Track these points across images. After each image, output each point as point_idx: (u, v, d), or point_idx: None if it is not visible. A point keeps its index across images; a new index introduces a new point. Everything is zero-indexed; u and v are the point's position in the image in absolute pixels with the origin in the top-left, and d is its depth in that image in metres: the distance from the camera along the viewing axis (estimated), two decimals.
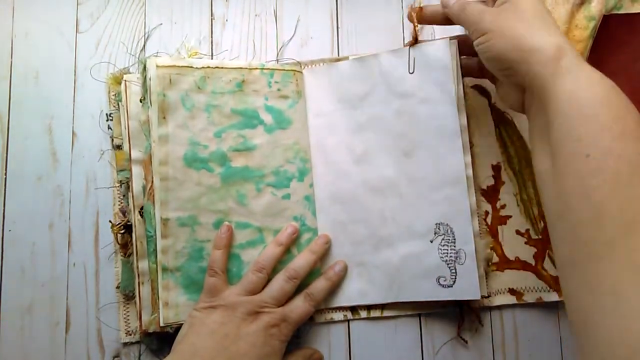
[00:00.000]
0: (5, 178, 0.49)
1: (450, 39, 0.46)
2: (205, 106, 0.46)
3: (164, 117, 0.44)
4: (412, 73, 0.47)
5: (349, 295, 0.47)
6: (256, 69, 0.48)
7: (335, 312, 0.48)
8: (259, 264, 0.44)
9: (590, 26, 0.47)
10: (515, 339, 0.47)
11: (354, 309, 0.48)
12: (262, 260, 0.45)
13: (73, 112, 0.50)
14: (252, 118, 0.47)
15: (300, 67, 0.50)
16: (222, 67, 0.47)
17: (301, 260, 0.46)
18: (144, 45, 0.51)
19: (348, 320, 0.48)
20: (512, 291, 0.47)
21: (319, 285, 0.46)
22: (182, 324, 0.43)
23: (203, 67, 0.46)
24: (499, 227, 0.48)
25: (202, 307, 0.43)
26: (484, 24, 0.39)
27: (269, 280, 0.45)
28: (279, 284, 0.44)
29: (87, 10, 0.52)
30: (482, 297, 0.45)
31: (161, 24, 0.52)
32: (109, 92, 0.50)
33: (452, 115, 0.45)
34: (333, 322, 0.48)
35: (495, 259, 0.47)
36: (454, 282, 0.45)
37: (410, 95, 0.47)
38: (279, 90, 0.48)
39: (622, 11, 0.49)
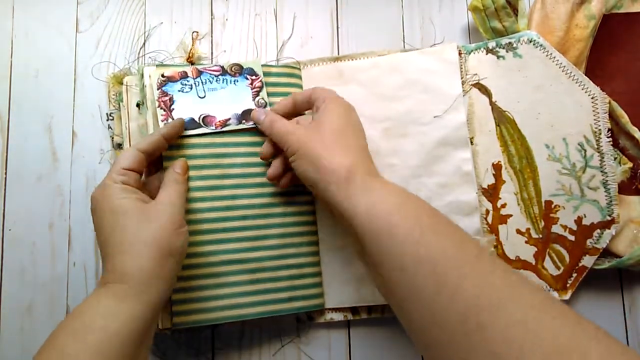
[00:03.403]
0: (5, 178, 0.49)
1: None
2: None
3: (159, 124, 0.45)
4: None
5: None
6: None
7: (336, 312, 0.47)
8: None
9: (591, 25, 0.47)
10: None
11: (354, 310, 0.47)
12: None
13: (73, 112, 0.50)
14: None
15: (300, 66, 0.50)
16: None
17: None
18: (144, 45, 0.51)
19: (348, 321, 0.48)
20: None
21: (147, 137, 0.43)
22: (180, 328, 0.43)
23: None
24: (499, 226, 0.48)
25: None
26: (291, 144, 0.41)
27: None
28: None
29: (87, 9, 0.52)
30: None
31: (161, 23, 0.52)
32: (109, 92, 0.50)
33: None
34: (333, 322, 0.48)
35: None
36: None
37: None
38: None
39: (622, 10, 0.49)
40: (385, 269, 0.34)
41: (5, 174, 0.49)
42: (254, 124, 0.46)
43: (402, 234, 0.33)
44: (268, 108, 0.47)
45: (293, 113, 0.46)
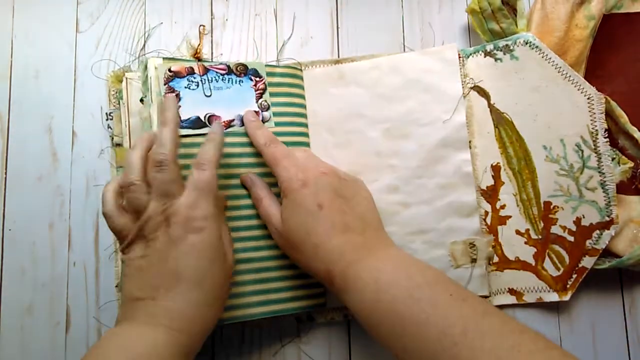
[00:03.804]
0: (5, 178, 0.49)
1: None
2: None
3: None
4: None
5: None
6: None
7: (336, 311, 0.48)
8: (125, 181, 0.38)
9: (590, 25, 0.47)
10: None
11: None
12: (127, 176, 0.38)
13: (73, 112, 0.50)
14: None
15: (301, 67, 0.50)
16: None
17: (205, 148, 0.40)
18: (144, 45, 0.51)
19: (348, 321, 0.48)
20: (512, 291, 0.47)
21: (203, 148, 0.40)
22: None
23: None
24: (498, 227, 0.48)
25: (121, 250, 0.39)
26: (273, 228, 0.43)
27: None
28: (155, 179, 0.37)
29: (87, 9, 0.52)
30: (484, 296, 0.45)
31: (161, 23, 0.52)
32: (109, 91, 0.50)
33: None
34: (333, 321, 0.48)
35: (495, 259, 0.47)
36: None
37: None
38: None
39: (622, 10, 0.49)
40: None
41: (5, 174, 0.49)
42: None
43: (407, 317, 0.34)
44: (272, 114, 0.47)
45: None
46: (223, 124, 0.45)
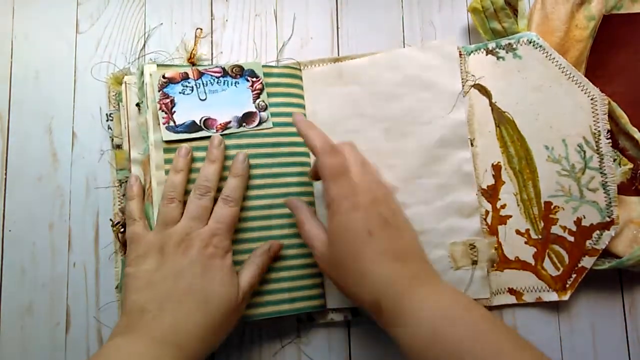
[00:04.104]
0: (5, 178, 0.49)
1: None
2: None
3: (159, 124, 0.45)
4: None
5: None
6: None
7: (335, 312, 0.47)
8: (167, 195, 0.42)
9: (590, 26, 0.47)
10: None
11: (354, 310, 0.47)
12: (169, 189, 0.42)
13: (73, 112, 0.50)
14: None
15: (300, 67, 0.50)
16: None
17: (231, 184, 0.43)
18: (144, 46, 0.51)
19: (348, 321, 0.48)
20: (511, 291, 0.47)
21: (230, 184, 0.43)
22: None
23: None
24: (499, 227, 0.48)
25: (130, 260, 0.40)
26: (317, 262, 0.41)
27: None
28: (193, 202, 0.42)
29: (87, 10, 0.52)
30: (485, 299, 0.46)
31: (161, 23, 0.52)
32: (109, 92, 0.50)
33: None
34: (333, 322, 0.48)
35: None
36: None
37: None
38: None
39: (622, 11, 0.49)
40: None
41: (6, 174, 0.49)
42: (255, 126, 0.46)
43: (471, 356, 0.32)
44: (269, 114, 0.47)
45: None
46: (219, 126, 0.46)
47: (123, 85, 0.48)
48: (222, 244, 0.41)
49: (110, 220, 0.48)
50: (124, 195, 0.48)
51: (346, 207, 0.38)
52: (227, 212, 0.42)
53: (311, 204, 0.48)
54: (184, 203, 0.42)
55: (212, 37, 0.52)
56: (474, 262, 0.46)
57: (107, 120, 0.50)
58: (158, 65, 0.46)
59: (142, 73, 0.46)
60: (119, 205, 0.48)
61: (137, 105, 0.47)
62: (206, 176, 0.43)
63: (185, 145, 0.44)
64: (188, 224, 0.41)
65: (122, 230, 0.47)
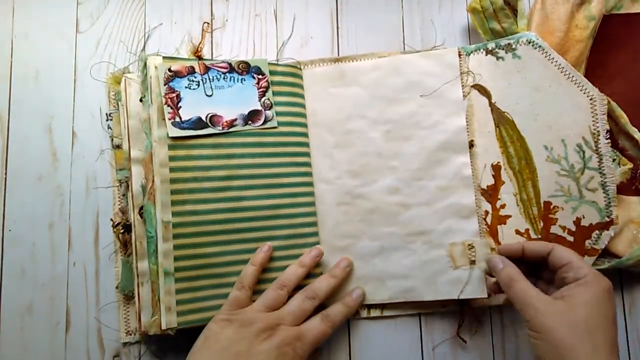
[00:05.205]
0: (5, 178, 0.49)
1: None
2: None
3: (164, 119, 0.44)
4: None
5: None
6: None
7: None
8: (280, 281, 0.44)
9: (590, 26, 0.47)
10: (514, 339, 0.47)
11: None
12: (285, 278, 0.44)
13: (73, 112, 0.50)
14: None
15: (300, 66, 0.50)
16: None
17: (322, 283, 0.45)
18: (144, 45, 0.51)
19: (349, 321, 0.48)
20: None
21: (336, 308, 0.45)
22: (183, 328, 0.43)
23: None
24: (498, 227, 0.48)
25: (220, 319, 0.42)
26: (533, 322, 0.38)
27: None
28: (297, 301, 0.44)
29: (87, 10, 0.52)
30: (483, 298, 0.46)
31: (161, 23, 0.52)
32: (108, 92, 0.50)
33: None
34: None
35: None
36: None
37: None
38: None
39: (622, 11, 0.49)
40: None
41: (5, 174, 0.49)
42: (260, 125, 0.46)
43: None
44: (274, 113, 0.47)
45: (518, 258, 0.43)
46: (225, 123, 0.45)
47: (122, 81, 0.47)
48: (300, 351, 0.42)
49: (111, 220, 0.48)
50: (123, 195, 0.48)
51: (597, 279, 0.38)
52: (319, 329, 0.43)
53: (313, 205, 0.48)
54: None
55: (212, 37, 0.52)
56: (472, 262, 0.46)
57: (107, 120, 0.50)
58: (164, 58, 0.45)
59: (145, 66, 0.45)
60: (119, 205, 0.48)
61: (141, 100, 0.46)
62: (318, 287, 0.45)
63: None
64: (282, 316, 0.43)
65: (122, 230, 0.47)
